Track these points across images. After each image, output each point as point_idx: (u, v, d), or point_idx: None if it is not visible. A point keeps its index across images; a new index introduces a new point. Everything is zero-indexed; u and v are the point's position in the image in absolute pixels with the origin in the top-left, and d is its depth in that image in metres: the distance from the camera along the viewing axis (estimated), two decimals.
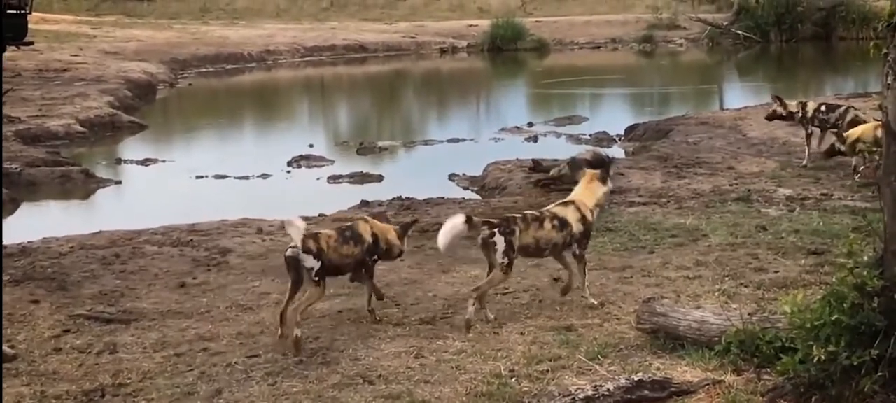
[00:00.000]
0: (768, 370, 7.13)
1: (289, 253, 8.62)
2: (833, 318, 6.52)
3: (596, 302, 9.25)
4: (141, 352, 8.49)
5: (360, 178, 18.18)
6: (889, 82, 6.47)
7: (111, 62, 32.93)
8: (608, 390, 7.03)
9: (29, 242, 12.38)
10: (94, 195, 17.60)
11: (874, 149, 14.51)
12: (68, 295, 10.20)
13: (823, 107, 16.94)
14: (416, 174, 19.28)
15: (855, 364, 6.37)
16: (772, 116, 17.40)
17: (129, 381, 7.84)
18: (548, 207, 9.48)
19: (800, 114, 16.99)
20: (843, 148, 15.43)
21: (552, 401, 7.03)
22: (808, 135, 16.61)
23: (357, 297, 9.84)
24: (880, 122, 15.90)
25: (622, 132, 22.16)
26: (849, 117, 16.51)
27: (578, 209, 9.35)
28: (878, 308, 6.45)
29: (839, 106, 17.33)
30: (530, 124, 24.18)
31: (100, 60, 33.05)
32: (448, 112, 30.76)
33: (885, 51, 6.50)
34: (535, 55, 43.27)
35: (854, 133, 15.27)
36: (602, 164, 11.71)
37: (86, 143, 22.31)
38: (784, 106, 17.08)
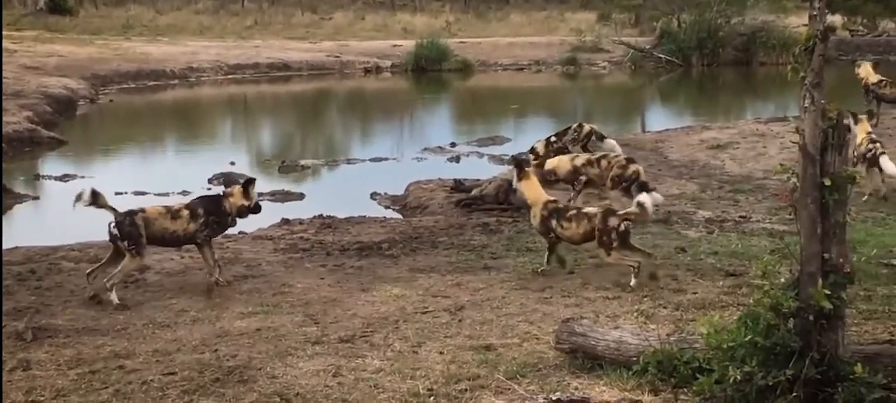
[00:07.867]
0: (685, 390, 7.16)
1: None
2: (749, 339, 6.59)
3: None
4: (55, 369, 8.37)
5: (282, 196, 18.10)
6: (806, 105, 6.55)
7: (31, 77, 32.46)
8: None
9: None
10: (10, 210, 17.34)
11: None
12: None
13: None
14: (337, 192, 19.23)
15: (770, 384, 6.42)
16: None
17: (42, 399, 7.71)
18: None
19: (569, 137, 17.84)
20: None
21: None
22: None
23: (275, 315, 9.79)
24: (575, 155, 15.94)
25: None
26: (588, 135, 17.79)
27: None
28: (794, 329, 6.52)
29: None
30: (453, 144, 24.19)
31: (20, 75, 32.55)
32: (371, 131, 30.73)
33: (802, 74, 6.58)
34: (459, 76, 43.32)
35: (551, 163, 15.49)
36: None
37: (4, 158, 21.97)
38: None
